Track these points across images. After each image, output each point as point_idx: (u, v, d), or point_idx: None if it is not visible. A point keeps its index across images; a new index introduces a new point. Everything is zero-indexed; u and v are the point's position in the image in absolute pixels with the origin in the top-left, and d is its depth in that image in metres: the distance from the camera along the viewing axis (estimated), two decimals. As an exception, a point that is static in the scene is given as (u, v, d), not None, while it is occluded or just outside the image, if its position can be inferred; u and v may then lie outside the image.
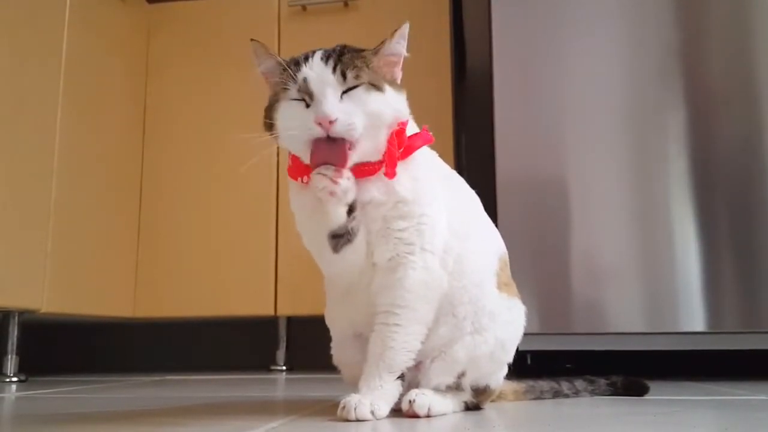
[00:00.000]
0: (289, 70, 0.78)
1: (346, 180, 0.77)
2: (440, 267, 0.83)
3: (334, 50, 0.80)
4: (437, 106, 1.92)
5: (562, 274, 1.48)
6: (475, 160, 2.11)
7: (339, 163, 0.76)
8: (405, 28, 0.83)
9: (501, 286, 0.90)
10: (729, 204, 1.45)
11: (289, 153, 0.84)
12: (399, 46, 0.83)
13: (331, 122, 0.74)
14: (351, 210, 0.80)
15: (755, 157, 1.46)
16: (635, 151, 1.51)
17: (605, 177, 1.50)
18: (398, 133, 0.81)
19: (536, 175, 1.54)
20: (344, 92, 0.77)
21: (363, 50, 0.82)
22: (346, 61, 0.78)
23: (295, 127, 0.77)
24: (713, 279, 1.43)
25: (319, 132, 0.75)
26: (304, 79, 0.77)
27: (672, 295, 1.43)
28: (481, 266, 0.88)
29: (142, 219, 2.11)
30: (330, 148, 0.76)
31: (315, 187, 0.78)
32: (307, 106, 0.77)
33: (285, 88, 0.78)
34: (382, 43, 0.82)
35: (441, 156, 0.92)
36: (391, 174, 0.80)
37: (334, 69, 0.77)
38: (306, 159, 0.79)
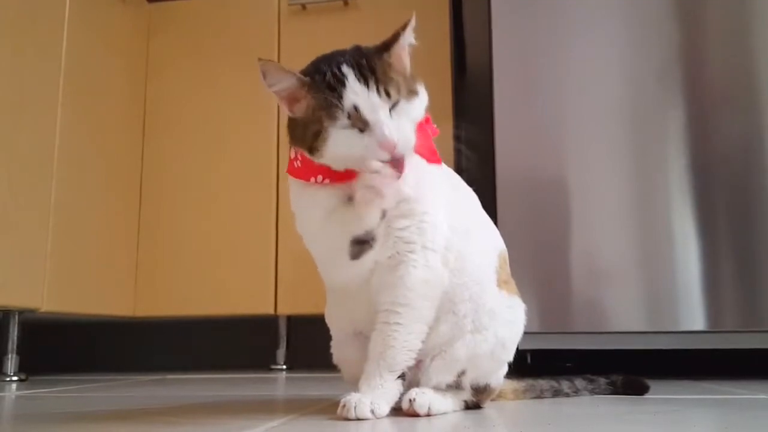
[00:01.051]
0: (332, 98, 0.75)
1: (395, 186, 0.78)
2: (442, 265, 0.83)
3: (362, 66, 0.77)
4: (437, 105, 1.91)
5: (562, 273, 1.48)
6: (475, 160, 2.10)
7: (398, 175, 0.77)
8: (413, 22, 0.82)
9: (501, 283, 0.90)
10: (729, 203, 1.45)
11: (295, 152, 0.82)
12: (411, 37, 0.83)
13: (395, 146, 0.74)
14: (382, 215, 0.80)
15: (755, 156, 1.45)
16: (635, 150, 1.51)
17: (605, 176, 1.50)
18: (426, 121, 0.82)
19: (536, 175, 1.54)
20: (391, 109, 0.76)
21: (381, 53, 0.80)
22: (383, 77, 0.77)
23: (355, 155, 0.76)
24: (713, 278, 1.43)
25: (385, 157, 0.75)
26: (355, 107, 0.75)
27: (672, 294, 1.43)
28: (481, 264, 0.88)
29: (142, 218, 2.11)
30: (393, 165, 0.76)
31: (365, 186, 0.78)
32: (361, 131, 0.76)
33: (331, 117, 0.75)
34: (395, 39, 0.81)
35: (440, 155, 0.92)
36: (437, 160, 0.83)
37: (378, 90, 0.76)
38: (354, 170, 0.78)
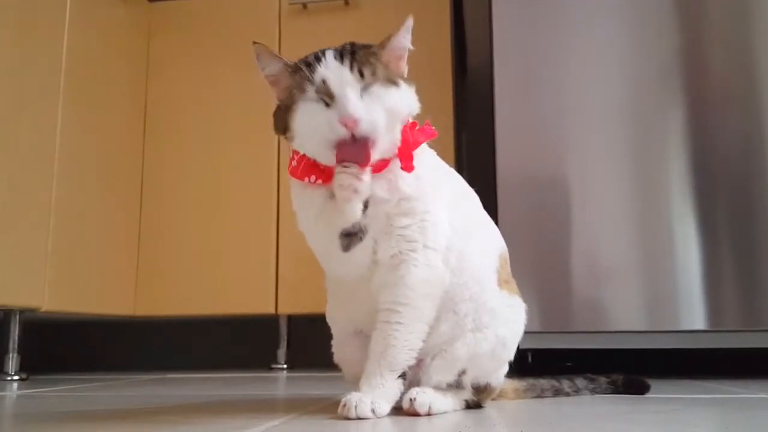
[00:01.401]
0: (305, 72, 0.77)
1: (367, 176, 0.77)
2: (443, 264, 0.83)
3: (345, 48, 0.79)
4: (438, 105, 1.92)
5: (562, 273, 1.48)
6: (475, 159, 2.10)
7: (363, 161, 0.76)
8: (409, 22, 0.83)
9: (501, 283, 0.90)
10: (729, 203, 1.45)
11: (293, 153, 0.83)
12: (405, 40, 0.83)
13: (356, 122, 0.74)
14: (364, 207, 0.80)
15: (755, 156, 1.45)
16: (635, 150, 1.51)
17: (605, 176, 1.50)
18: (411, 126, 0.82)
19: (537, 174, 1.54)
20: (362, 90, 0.76)
21: (371, 46, 0.81)
22: (361, 59, 0.77)
23: (317, 129, 0.76)
24: (713, 277, 1.43)
25: (344, 132, 0.74)
26: (323, 80, 0.76)
27: (672, 294, 1.43)
28: (481, 263, 0.88)
29: (143, 217, 2.11)
30: (354, 147, 0.75)
31: (339, 185, 0.77)
32: (327, 106, 0.76)
33: (301, 90, 0.77)
34: (389, 37, 0.82)
35: (441, 155, 0.92)
36: (409, 167, 0.80)
37: (351, 67, 0.76)
38: (323, 160, 0.78)
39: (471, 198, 0.94)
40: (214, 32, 2.18)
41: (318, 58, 0.78)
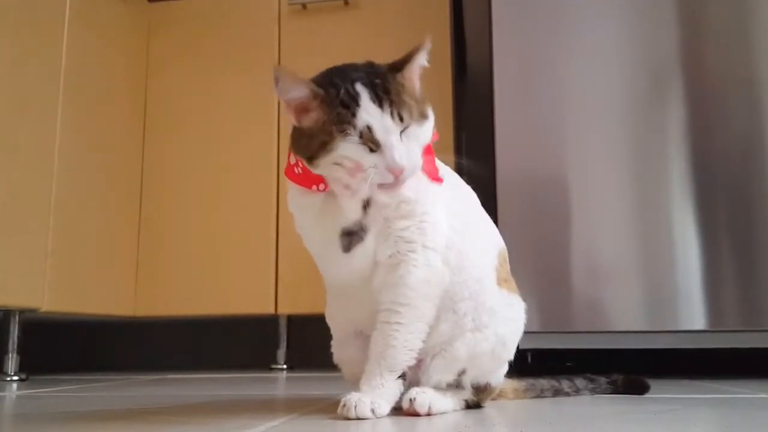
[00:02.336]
0: (345, 114, 0.75)
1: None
2: (442, 264, 0.83)
3: (375, 84, 0.77)
4: (437, 105, 1.91)
5: (562, 273, 1.48)
6: (475, 159, 2.10)
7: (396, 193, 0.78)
8: (428, 45, 0.82)
9: (501, 282, 0.90)
10: (729, 202, 1.45)
11: (296, 158, 0.82)
12: (423, 60, 0.82)
13: (402, 170, 0.75)
14: (365, 206, 0.80)
15: (755, 156, 1.45)
16: (635, 150, 1.51)
17: (605, 176, 1.50)
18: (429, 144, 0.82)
19: (536, 174, 1.54)
20: (401, 133, 0.77)
21: (393, 72, 0.80)
22: (397, 99, 0.77)
23: (362, 173, 0.76)
24: (713, 277, 1.43)
25: (391, 180, 0.75)
26: (368, 128, 0.75)
27: (672, 294, 1.43)
28: (480, 262, 0.88)
29: (143, 218, 2.11)
30: (391, 185, 0.76)
31: (332, 179, 0.77)
32: (371, 151, 0.75)
33: (342, 132, 0.75)
34: (410, 59, 0.81)
35: (441, 155, 0.92)
36: (439, 180, 0.83)
37: (392, 114, 0.76)
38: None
39: (469, 197, 0.94)
40: (214, 32, 2.18)
41: (353, 97, 0.76)
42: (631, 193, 1.49)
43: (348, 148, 0.75)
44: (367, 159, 0.75)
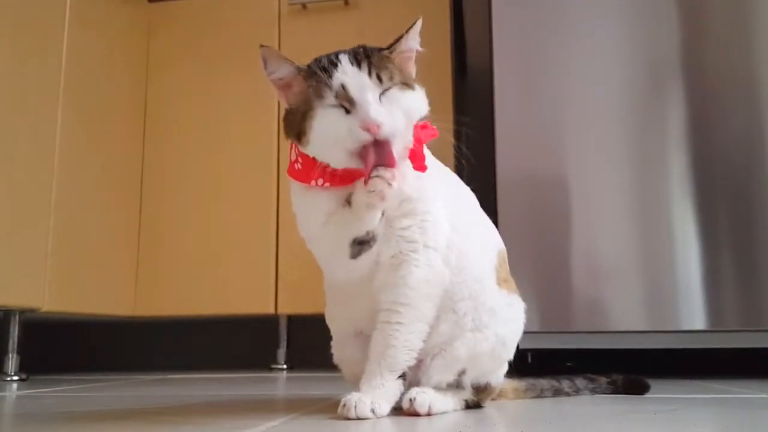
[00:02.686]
0: (322, 77, 0.76)
1: (396, 183, 0.76)
2: (443, 264, 0.83)
3: (359, 53, 0.78)
4: (437, 105, 1.91)
5: (562, 273, 1.48)
6: (475, 159, 2.10)
7: (389, 162, 0.75)
8: (418, 24, 0.83)
9: (500, 282, 0.90)
10: (729, 202, 1.45)
11: (298, 155, 0.82)
12: (413, 41, 0.83)
13: (378, 126, 0.73)
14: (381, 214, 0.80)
15: (755, 156, 1.46)
16: (635, 150, 1.51)
17: (605, 176, 1.50)
18: (421, 127, 0.82)
19: (536, 174, 1.54)
20: (381, 94, 0.76)
21: (383, 49, 0.81)
22: (377, 63, 0.77)
23: (338, 135, 0.75)
24: (713, 277, 1.43)
25: (367, 138, 0.74)
26: (342, 86, 0.75)
27: (672, 294, 1.44)
28: (480, 262, 0.88)
29: (143, 217, 2.11)
30: (377, 151, 0.74)
31: (371, 191, 0.76)
32: (347, 112, 0.75)
33: (319, 96, 0.76)
34: (398, 39, 0.81)
35: (441, 155, 0.92)
36: (422, 167, 0.81)
37: (369, 73, 0.76)
38: (341, 165, 0.77)
39: (468, 197, 0.94)
40: (214, 32, 2.18)
41: (333, 62, 0.77)
42: (631, 193, 1.49)
43: (324, 113, 0.76)
44: (342, 121, 0.75)
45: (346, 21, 2.07)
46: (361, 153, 0.75)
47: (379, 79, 0.76)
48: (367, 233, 0.80)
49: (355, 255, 0.81)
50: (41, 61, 1.72)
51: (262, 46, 0.80)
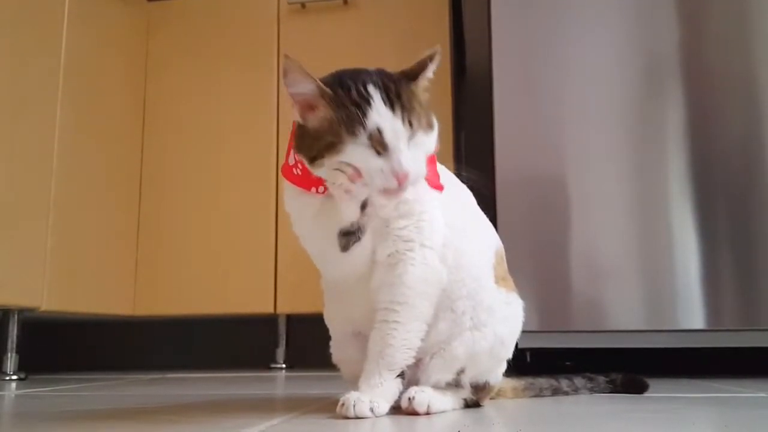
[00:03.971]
0: (357, 114, 0.75)
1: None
2: (440, 262, 0.83)
3: (389, 89, 0.77)
4: (437, 105, 1.91)
5: (561, 272, 1.48)
6: (474, 159, 2.11)
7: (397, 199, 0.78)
8: (439, 57, 0.83)
9: (499, 280, 0.90)
10: (728, 202, 1.45)
11: (297, 160, 0.81)
12: (432, 72, 0.83)
13: (407, 176, 0.74)
14: (363, 207, 0.80)
15: (755, 156, 1.46)
16: (635, 149, 1.51)
17: (605, 175, 1.50)
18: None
19: (536, 174, 1.54)
20: (409, 139, 0.77)
21: (406, 79, 0.80)
22: (408, 105, 0.77)
23: (364, 174, 0.75)
24: (712, 276, 1.43)
25: (394, 185, 0.74)
26: (378, 130, 0.75)
27: (671, 293, 1.44)
28: (478, 260, 0.88)
29: (142, 217, 2.11)
30: (394, 191, 0.76)
31: (332, 184, 0.77)
32: (378, 154, 0.75)
33: (351, 133, 0.75)
34: (422, 70, 0.81)
35: (440, 155, 0.92)
36: (439, 187, 0.84)
37: (403, 119, 0.76)
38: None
39: (465, 195, 0.94)
40: (213, 31, 2.17)
41: (364, 97, 0.76)
42: (631, 193, 1.49)
43: (356, 151, 0.75)
44: (373, 163, 0.75)
45: (345, 21, 2.07)
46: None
47: (410, 124, 0.76)
48: (352, 224, 0.81)
49: (344, 247, 0.82)
50: (40, 60, 1.72)
51: (286, 56, 0.78)
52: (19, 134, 1.63)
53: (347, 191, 0.77)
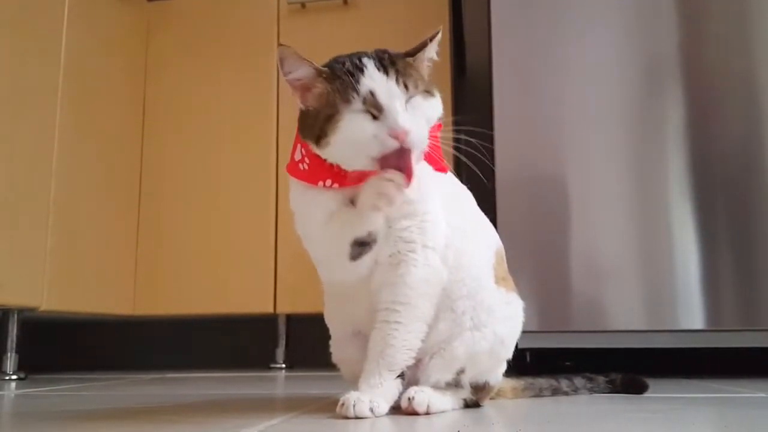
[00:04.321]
0: (350, 81, 0.76)
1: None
2: (441, 263, 0.83)
3: (383, 58, 0.78)
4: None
5: (561, 272, 1.49)
6: (474, 159, 2.10)
7: (407, 171, 0.75)
8: (439, 36, 0.84)
9: (499, 280, 0.90)
10: (728, 202, 1.45)
11: (304, 154, 0.81)
12: (433, 51, 0.84)
13: (406, 134, 0.74)
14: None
15: (754, 156, 1.46)
16: (635, 149, 1.51)
17: (605, 176, 1.51)
18: (435, 128, 0.82)
19: (536, 174, 1.54)
20: (406, 102, 0.77)
21: (404, 55, 0.81)
22: (403, 70, 0.78)
23: (365, 141, 0.75)
24: (712, 277, 1.43)
25: (394, 145, 0.74)
26: (371, 92, 0.75)
27: (671, 293, 1.44)
28: (478, 260, 0.88)
29: (142, 217, 2.11)
30: (398, 158, 0.75)
31: (381, 194, 0.77)
32: (374, 119, 0.75)
33: (345, 100, 0.76)
34: (421, 48, 0.82)
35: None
36: (443, 168, 0.83)
37: (397, 80, 0.76)
38: (358, 169, 0.77)
39: (464, 195, 0.94)
40: (213, 31, 2.17)
41: (358, 66, 0.77)
42: (630, 193, 1.49)
43: (352, 119, 0.75)
44: (369, 127, 0.75)
45: (345, 20, 2.07)
46: (381, 158, 0.75)
47: (406, 86, 0.77)
48: (369, 234, 0.80)
49: (355, 256, 0.81)
50: (40, 60, 1.72)
51: (280, 45, 0.80)
52: (19, 134, 1.63)
53: (392, 203, 0.77)
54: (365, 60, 0.78)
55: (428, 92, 0.80)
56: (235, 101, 2.10)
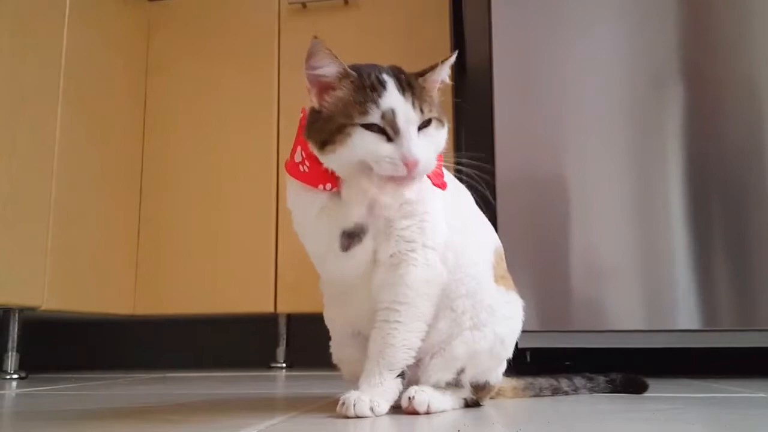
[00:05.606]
0: (372, 94, 0.76)
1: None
2: (441, 262, 0.84)
3: (401, 79, 0.79)
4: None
5: (561, 272, 1.49)
6: (473, 159, 2.10)
7: (407, 190, 0.79)
8: (452, 59, 0.85)
9: (498, 279, 0.90)
10: (726, 203, 1.45)
11: (304, 157, 0.81)
12: (444, 73, 0.84)
13: (416, 163, 0.74)
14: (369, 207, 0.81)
15: (754, 156, 1.46)
16: (634, 149, 1.51)
17: (604, 176, 1.51)
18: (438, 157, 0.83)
19: (536, 174, 1.54)
20: (419, 128, 0.77)
21: (418, 76, 0.81)
22: (419, 93, 0.78)
23: (373, 158, 0.75)
24: (710, 277, 1.43)
25: (403, 172, 0.74)
26: (392, 111, 0.75)
27: (671, 293, 1.44)
28: (477, 259, 0.88)
29: (142, 216, 2.11)
30: (398, 181, 0.76)
31: (388, 194, 0.78)
32: (388, 139, 0.75)
33: (363, 112, 0.75)
34: (433, 69, 0.82)
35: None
36: (443, 185, 0.84)
37: (414, 104, 0.76)
38: (355, 179, 0.78)
39: (463, 194, 0.94)
40: (214, 31, 2.17)
41: (380, 82, 0.77)
42: (630, 193, 1.49)
43: (365, 135, 0.75)
44: (383, 148, 0.75)
45: (346, 21, 2.07)
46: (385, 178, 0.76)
47: (421, 110, 0.77)
48: (355, 225, 0.81)
49: (345, 247, 0.82)
50: (41, 59, 1.72)
51: (315, 38, 0.78)
52: (19, 133, 1.63)
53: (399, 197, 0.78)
54: (385, 76, 0.78)
55: (440, 121, 0.80)
56: (236, 101, 2.10)
